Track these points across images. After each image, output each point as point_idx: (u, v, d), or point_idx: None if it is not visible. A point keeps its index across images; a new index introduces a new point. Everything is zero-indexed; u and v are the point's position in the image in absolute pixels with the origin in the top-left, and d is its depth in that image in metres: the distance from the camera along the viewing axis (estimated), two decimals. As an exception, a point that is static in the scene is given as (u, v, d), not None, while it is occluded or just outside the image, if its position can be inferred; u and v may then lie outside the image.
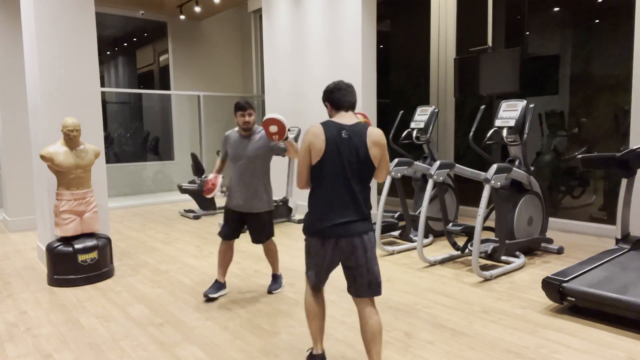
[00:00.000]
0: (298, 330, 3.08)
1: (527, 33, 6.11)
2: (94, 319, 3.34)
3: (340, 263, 2.32)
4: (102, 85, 10.39)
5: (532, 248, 4.70)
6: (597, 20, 5.50)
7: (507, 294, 3.64)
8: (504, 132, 4.52)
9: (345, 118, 2.29)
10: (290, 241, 5.43)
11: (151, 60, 10.91)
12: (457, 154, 6.88)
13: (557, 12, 5.87)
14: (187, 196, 8.70)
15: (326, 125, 2.25)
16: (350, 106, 2.33)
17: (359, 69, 5.99)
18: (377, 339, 2.23)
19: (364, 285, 2.26)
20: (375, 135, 2.23)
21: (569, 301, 3.20)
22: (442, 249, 5.02)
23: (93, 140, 4.54)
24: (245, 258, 4.81)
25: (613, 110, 5.41)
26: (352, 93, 2.34)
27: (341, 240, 2.23)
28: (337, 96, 2.32)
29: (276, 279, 3.88)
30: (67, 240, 4.10)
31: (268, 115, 2.93)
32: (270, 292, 3.79)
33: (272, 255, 3.78)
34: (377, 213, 4.73)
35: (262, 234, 3.63)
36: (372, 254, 2.27)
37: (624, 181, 3.97)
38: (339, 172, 2.23)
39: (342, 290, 3.79)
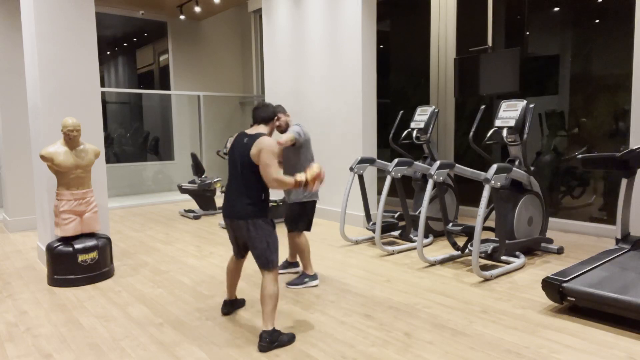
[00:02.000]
0: (298, 330, 3.08)
1: (527, 33, 6.11)
2: (94, 319, 3.34)
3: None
4: (102, 85, 10.39)
5: (532, 248, 4.70)
6: (597, 20, 5.50)
7: (507, 294, 3.64)
8: (504, 132, 4.52)
9: (254, 129, 2.98)
10: (290, 241, 5.43)
11: (151, 60, 10.91)
12: (457, 154, 6.88)
13: (557, 12, 5.87)
14: (187, 196, 8.71)
15: (239, 134, 3.00)
16: (261, 120, 3.00)
17: (359, 69, 5.99)
18: (265, 302, 2.84)
19: (254, 257, 2.93)
20: (259, 140, 2.84)
21: (569, 301, 3.20)
22: (442, 249, 5.02)
23: (93, 140, 4.54)
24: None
25: (613, 110, 5.41)
26: (264, 110, 3.01)
27: (232, 220, 2.92)
28: (253, 114, 3.05)
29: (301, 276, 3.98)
30: (67, 240, 4.10)
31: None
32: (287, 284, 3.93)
33: (297, 249, 3.94)
34: (377, 213, 4.73)
35: (293, 224, 3.91)
36: (257, 234, 2.87)
37: (624, 181, 3.97)
38: (235, 168, 2.93)
39: (341, 291, 3.79)
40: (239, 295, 3.75)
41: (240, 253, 3.21)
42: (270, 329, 2.84)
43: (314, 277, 3.92)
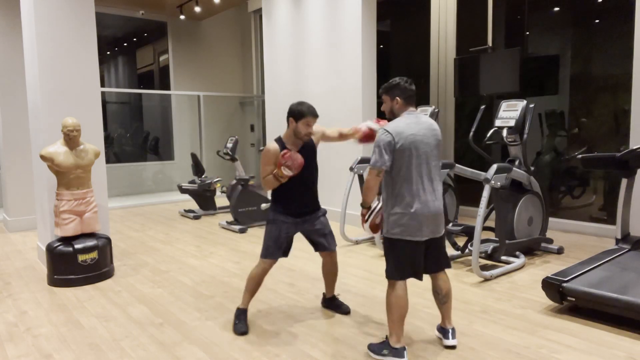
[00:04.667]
0: (298, 330, 3.08)
1: (527, 33, 6.11)
2: (94, 319, 3.34)
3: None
4: (102, 85, 10.39)
5: (532, 248, 4.70)
6: (597, 20, 5.50)
7: (507, 294, 3.64)
8: (504, 132, 4.52)
9: None
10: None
11: (151, 60, 10.91)
12: (457, 154, 6.88)
13: (557, 12, 5.87)
14: (187, 196, 8.70)
15: None
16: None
17: (359, 69, 5.99)
18: (248, 283, 3.13)
19: None
20: None
21: (569, 301, 3.20)
22: (442, 249, 5.01)
23: (93, 140, 4.54)
24: (245, 258, 4.81)
25: (613, 110, 5.40)
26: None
27: None
28: None
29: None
30: (67, 240, 4.10)
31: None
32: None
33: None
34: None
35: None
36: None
37: (624, 181, 3.97)
38: None
39: (341, 291, 3.79)
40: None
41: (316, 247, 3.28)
42: (240, 307, 3.19)
43: (398, 352, 2.59)
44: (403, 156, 2.53)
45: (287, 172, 2.88)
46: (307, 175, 3.07)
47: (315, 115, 2.98)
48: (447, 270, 2.81)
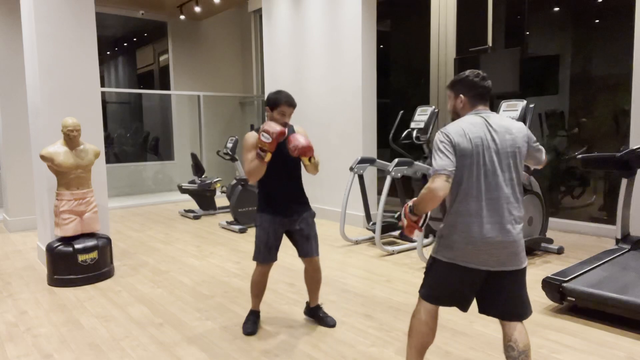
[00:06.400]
0: (298, 330, 3.08)
1: (527, 33, 6.11)
2: (94, 319, 3.34)
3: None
4: (102, 85, 10.39)
5: (532, 248, 4.70)
6: (597, 20, 5.50)
7: (507, 294, 3.64)
8: (504, 132, 4.51)
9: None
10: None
11: (151, 60, 10.91)
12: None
13: (557, 12, 5.87)
14: (187, 196, 8.70)
15: None
16: None
17: (359, 69, 5.99)
18: (252, 288, 3.11)
19: None
20: None
21: (569, 301, 3.20)
22: (442, 249, 5.01)
23: (93, 140, 4.53)
24: (245, 258, 4.81)
25: (613, 110, 5.40)
26: None
27: None
28: None
29: None
30: (67, 240, 4.10)
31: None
32: None
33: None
34: (377, 213, 4.73)
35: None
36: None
37: (624, 181, 3.97)
38: None
39: (342, 291, 3.78)
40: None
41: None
42: (251, 308, 3.17)
43: None
44: (463, 165, 2.01)
45: (266, 139, 2.66)
46: (292, 167, 2.93)
47: (290, 104, 2.82)
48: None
